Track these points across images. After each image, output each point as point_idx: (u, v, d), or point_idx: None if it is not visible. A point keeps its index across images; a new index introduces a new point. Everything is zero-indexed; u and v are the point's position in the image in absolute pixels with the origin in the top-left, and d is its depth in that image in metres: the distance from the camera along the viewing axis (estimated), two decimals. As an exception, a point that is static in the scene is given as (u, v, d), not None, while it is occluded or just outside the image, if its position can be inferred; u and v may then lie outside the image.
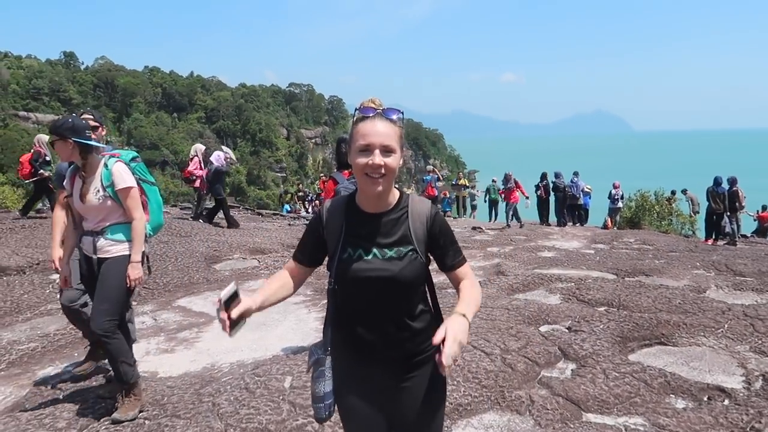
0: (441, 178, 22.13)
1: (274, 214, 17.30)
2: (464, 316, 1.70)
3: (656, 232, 15.58)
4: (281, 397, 3.57)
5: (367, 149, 1.71)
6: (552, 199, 17.17)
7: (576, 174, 17.42)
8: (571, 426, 3.29)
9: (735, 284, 7.30)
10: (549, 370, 4.18)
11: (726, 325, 5.19)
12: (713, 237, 13.75)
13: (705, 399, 3.75)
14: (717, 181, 13.66)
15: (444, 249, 1.88)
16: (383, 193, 1.77)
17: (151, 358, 4.63)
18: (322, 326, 1.94)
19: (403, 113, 1.82)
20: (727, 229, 13.76)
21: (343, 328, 1.85)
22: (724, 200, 13.43)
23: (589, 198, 18.47)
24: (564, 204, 16.96)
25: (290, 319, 5.57)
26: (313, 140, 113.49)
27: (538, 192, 17.05)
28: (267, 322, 5.47)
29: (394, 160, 1.73)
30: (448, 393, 3.64)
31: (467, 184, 23.19)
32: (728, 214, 13.58)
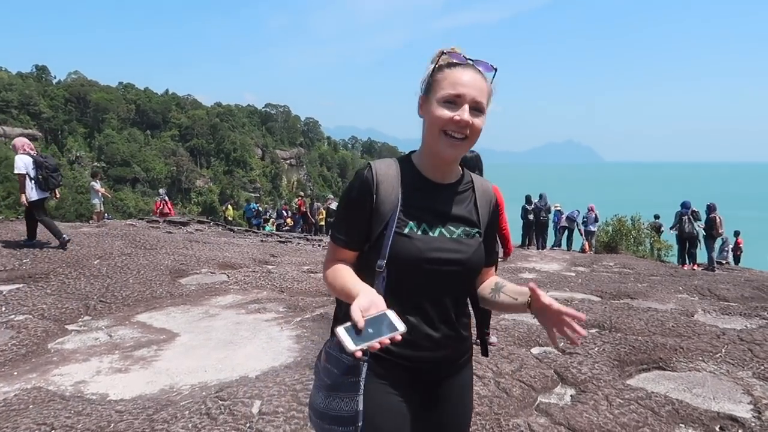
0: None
1: (246, 231, 16.75)
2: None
3: (634, 256, 15.52)
4: (248, 425, 3.11)
5: (455, 101, 1.39)
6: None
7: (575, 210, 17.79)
8: (578, 459, 2.92)
9: (722, 309, 7.09)
10: (547, 395, 3.80)
11: (723, 350, 4.93)
12: (690, 262, 13.71)
13: (717, 429, 3.42)
14: (685, 205, 13.71)
15: (490, 241, 1.59)
16: (458, 160, 1.49)
17: (102, 378, 4.12)
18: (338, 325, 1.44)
19: (496, 69, 1.47)
20: (712, 254, 13.79)
21: None
22: (696, 220, 13.49)
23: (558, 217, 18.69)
24: (545, 227, 17.21)
25: (261, 337, 5.11)
26: (288, 161, 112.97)
27: (530, 216, 17.10)
28: (235, 340, 5.00)
29: (482, 122, 1.42)
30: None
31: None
32: (705, 240, 13.59)
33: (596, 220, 17.64)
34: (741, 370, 4.47)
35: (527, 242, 17.30)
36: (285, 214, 23.79)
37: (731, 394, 4.01)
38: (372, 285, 1.40)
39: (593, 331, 5.53)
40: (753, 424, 3.45)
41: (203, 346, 4.89)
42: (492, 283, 1.59)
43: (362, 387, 1.36)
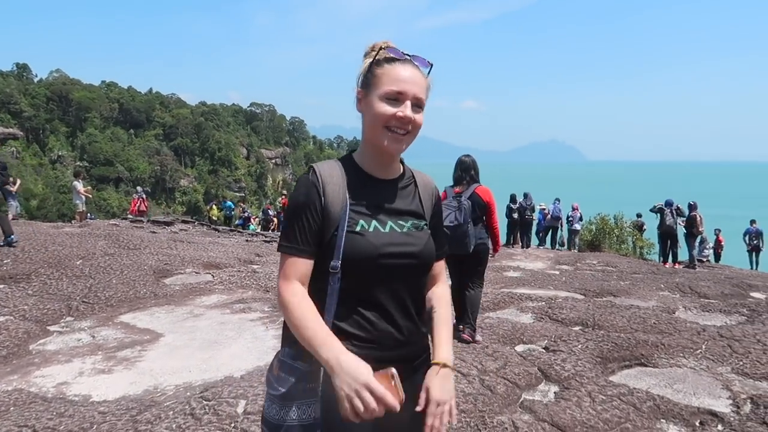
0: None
1: (231, 231, 16.66)
2: (447, 366, 1.46)
3: (617, 254, 15.68)
4: (233, 425, 3.10)
5: (398, 98, 1.39)
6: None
7: (559, 201, 17.87)
8: (561, 455, 2.95)
9: (702, 306, 7.20)
10: (531, 392, 3.84)
11: (704, 346, 5.00)
12: (672, 260, 13.89)
13: (697, 424, 3.47)
14: (668, 203, 13.89)
15: (437, 232, 1.58)
16: (400, 154, 1.50)
17: (85, 379, 4.08)
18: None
19: (432, 65, 1.49)
20: (693, 252, 13.97)
21: (347, 334, 1.38)
22: (678, 215, 13.67)
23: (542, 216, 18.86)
24: (530, 226, 17.37)
25: (246, 337, 5.09)
26: (273, 160, 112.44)
27: (515, 215, 17.21)
28: (220, 339, 4.98)
29: (421, 118, 1.44)
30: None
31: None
32: (686, 237, 13.78)
33: (581, 219, 17.84)
34: (720, 366, 4.55)
35: (512, 241, 17.43)
36: (269, 213, 23.69)
37: (711, 390, 4.07)
38: (324, 288, 1.39)
39: (577, 328, 5.58)
40: (732, 419, 3.51)
41: (187, 346, 4.87)
42: (430, 304, 1.58)
43: (320, 392, 1.33)
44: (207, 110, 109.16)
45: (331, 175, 1.44)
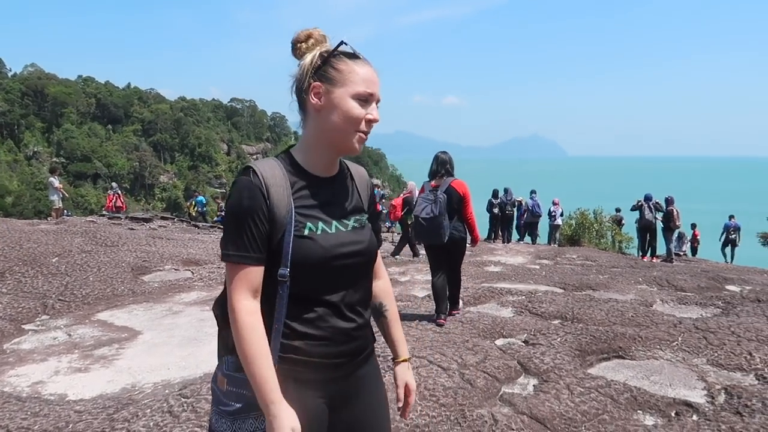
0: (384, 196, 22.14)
1: (212, 227, 16.51)
2: (408, 359, 1.67)
3: (596, 249, 15.86)
4: (211, 421, 3.08)
5: (368, 99, 1.39)
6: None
7: (535, 193, 17.92)
8: (540, 447, 2.98)
9: (678, 299, 7.31)
10: (510, 386, 3.86)
11: (680, 338, 5.08)
12: (650, 254, 14.09)
13: (673, 414, 3.53)
14: (647, 197, 14.09)
15: (375, 224, 1.58)
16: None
17: (61, 378, 4.02)
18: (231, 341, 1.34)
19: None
20: (671, 246, 14.18)
21: (296, 324, 1.36)
22: (657, 210, 13.86)
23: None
24: (511, 221, 17.41)
25: (225, 334, 5.05)
26: (254, 156, 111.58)
27: (495, 210, 17.23)
28: (199, 336, 4.94)
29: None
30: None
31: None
32: (663, 232, 13.99)
33: (562, 214, 17.98)
34: (696, 357, 4.62)
35: (493, 236, 17.51)
36: None
37: (687, 381, 4.14)
38: (273, 295, 1.35)
39: (556, 322, 5.63)
40: (707, 409, 3.57)
41: (166, 343, 4.82)
42: (377, 300, 1.63)
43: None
44: (187, 105, 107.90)
45: (274, 176, 1.37)
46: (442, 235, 5.21)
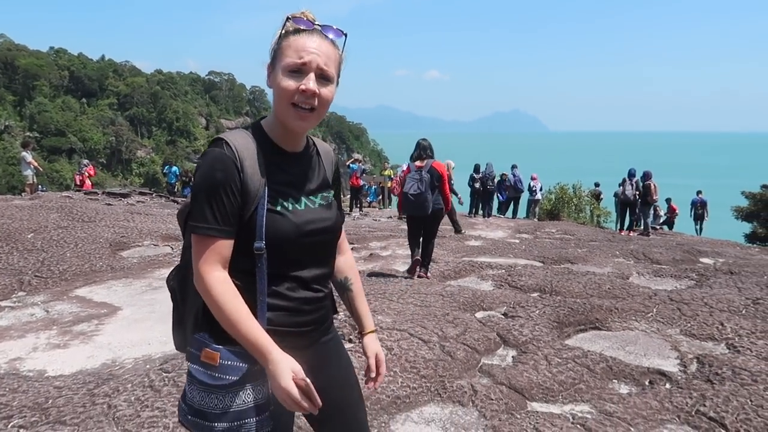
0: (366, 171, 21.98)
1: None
2: (375, 331, 1.68)
3: (575, 223, 16.07)
4: (193, 395, 3.09)
5: (300, 70, 1.31)
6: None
7: (516, 167, 17.92)
8: (518, 416, 3.04)
9: (654, 271, 7.46)
10: (489, 357, 3.93)
11: (654, 310, 5.19)
12: (627, 227, 14.32)
13: (647, 383, 3.63)
14: (630, 173, 14.25)
15: (339, 199, 1.60)
16: (307, 132, 1.45)
17: (39, 354, 3.98)
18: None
19: (346, 35, 1.42)
20: (647, 220, 14.41)
21: (270, 303, 1.36)
22: (637, 189, 14.03)
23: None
24: (491, 196, 17.38)
25: (206, 309, 5.04)
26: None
27: (477, 184, 17.13)
28: (179, 312, 4.92)
29: (330, 92, 1.36)
30: (384, 385, 3.30)
31: (392, 176, 23.03)
32: (641, 206, 14.19)
33: (541, 188, 18.06)
34: (670, 328, 4.74)
35: (474, 211, 17.55)
36: None
37: (660, 351, 4.24)
38: (248, 269, 1.35)
39: (535, 294, 5.72)
40: (679, 378, 3.68)
41: (147, 319, 4.79)
42: (342, 275, 1.66)
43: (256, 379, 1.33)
44: (163, 79, 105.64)
45: (247, 149, 1.35)
46: (426, 208, 6.23)
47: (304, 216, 1.40)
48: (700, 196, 19.83)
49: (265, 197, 1.34)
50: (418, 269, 6.50)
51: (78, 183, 18.57)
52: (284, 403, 1.27)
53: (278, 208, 1.36)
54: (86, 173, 18.87)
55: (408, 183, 6.33)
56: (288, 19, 1.37)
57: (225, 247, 1.32)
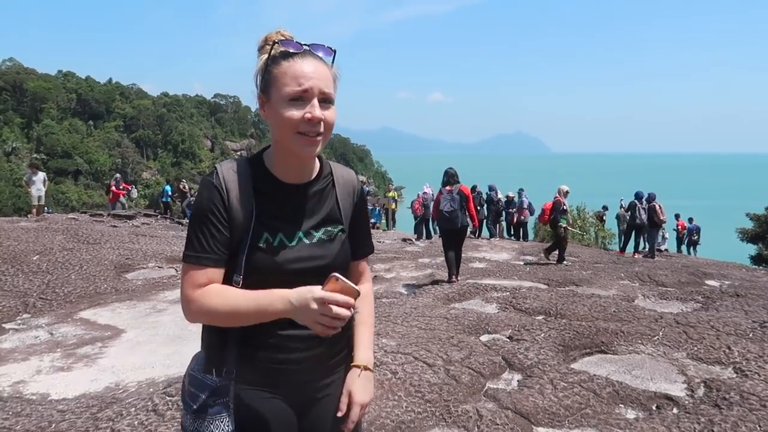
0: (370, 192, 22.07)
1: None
2: (368, 368, 1.44)
3: (579, 244, 16.00)
4: (197, 420, 3.07)
5: (302, 97, 1.26)
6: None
7: (523, 190, 17.84)
8: (524, 442, 3.01)
9: (660, 294, 7.41)
10: (495, 381, 3.90)
11: (661, 333, 5.15)
12: (634, 250, 14.23)
13: (654, 408, 3.59)
14: (638, 195, 14.19)
15: (362, 231, 1.50)
16: (314, 159, 1.38)
17: (43, 377, 3.98)
18: (205, 342, 1.38)
19: (335, 51, 1.35)
20: (654, 243, 14.34)
21: (254, 341, 1.32)
22: (645, 212, 13.95)
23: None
24: (498, 217, 17.34)
25: (210, 332, 5.03)
26: (238, 152, 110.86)
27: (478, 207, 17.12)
28: (183, 335, 4.91)
29: (333, 114, 1.31)
30: (389, 410, 3.28)
31: (396, 197, 23.10)
32: (648, 228, 14.12)
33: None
34: (676, 352, 4.70)
35: (477, 234, 17.46)
36: None
37: (667, 375, 4.20)
38: None
39: (540, 317, 5.69)
40: (686, 402, 3.64)
41: (150, 341, 4.79)
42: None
43: (231, 407, 1.30)
44: (169, 101, 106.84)
45: (236, 179, 1.31)
46: (457, 223, 7.90)
47: (293, 253, 1.33)
48: (694, 223, 20.59)
49: (250, 230, 1.30)
50: (454, 278, 7.99)
51: (113, 194, 18.24)
52: (324, 321, 1.18)
53: (261, 244, 1.30)
54: (123, 188, 18.83)
55: (443, 203, 7.92)
56: (274, 42, 1.31)
57: (211, 274, 1.28)
